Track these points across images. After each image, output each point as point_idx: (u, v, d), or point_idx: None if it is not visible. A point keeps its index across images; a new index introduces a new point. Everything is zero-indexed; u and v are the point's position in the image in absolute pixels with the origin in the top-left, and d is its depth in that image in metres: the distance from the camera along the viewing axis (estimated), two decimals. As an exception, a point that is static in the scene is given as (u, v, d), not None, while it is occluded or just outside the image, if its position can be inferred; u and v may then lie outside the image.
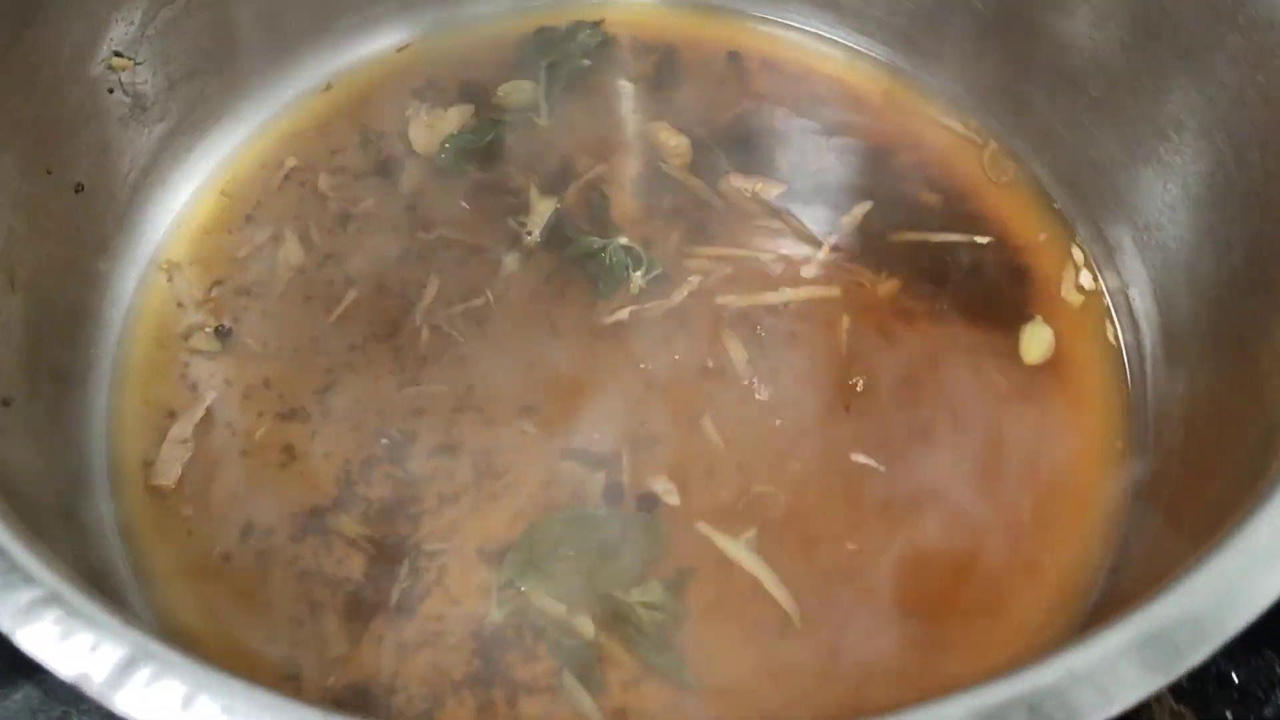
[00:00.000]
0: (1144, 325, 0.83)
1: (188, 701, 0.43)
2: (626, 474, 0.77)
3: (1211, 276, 0.76)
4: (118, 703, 0.43)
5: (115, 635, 0.45)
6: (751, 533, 0.75)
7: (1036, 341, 0.82)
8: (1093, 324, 0.85)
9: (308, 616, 0.73)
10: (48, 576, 0.48)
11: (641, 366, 0.81)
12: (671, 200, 0.89)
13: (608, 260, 0.85)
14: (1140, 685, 0.44)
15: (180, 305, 0.86)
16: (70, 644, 0.46)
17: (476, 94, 0.95)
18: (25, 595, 0.48)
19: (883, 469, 0.77)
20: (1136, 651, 0.45)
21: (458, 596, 0.73)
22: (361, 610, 0.73)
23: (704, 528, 0.75)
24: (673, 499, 0.76)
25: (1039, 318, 0.83)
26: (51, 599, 0.47)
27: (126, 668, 0.45)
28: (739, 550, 0.74)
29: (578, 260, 0.86)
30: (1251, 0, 0.71)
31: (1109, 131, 0.84)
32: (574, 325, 0.83)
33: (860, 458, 0.77)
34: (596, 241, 0.86)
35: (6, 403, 0.69)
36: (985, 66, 0.92)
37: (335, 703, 0.70)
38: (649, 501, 0.76)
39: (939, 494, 0.76)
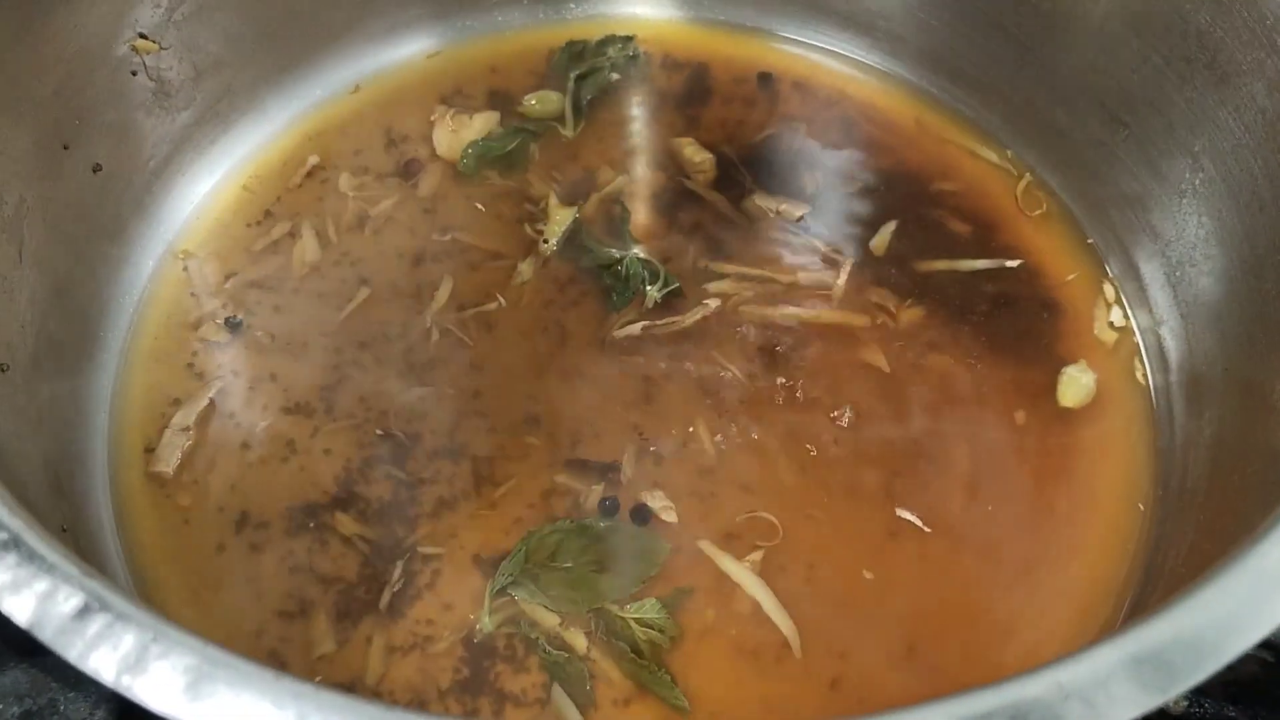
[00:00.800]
0: (1173, 364, 0.80)
1: (139, 653, 0.41)
2: (625, 488, 0.75)
3: (1243, 314, 0.74)
4: (69, 652, 0.42)
5: (71, 583, 0.44)
6: (757, 555, 0.73)
7: (1076, 387, 0.80)
8: (1123, 362, 0.82)
9: (297, 612, 0.72)
10: (11, 521, 0.47)
11: (649, 381, 0.80)
12: (693, 216, 0.88)
13: (624, 272, 0.83)
14: (1133, 703, 0.42)
15: (193, 294, 0.85)
16: (25, 590, 0.44)
17: (503, 102, 0.95)
18: None
19: (893, 498, 0.75)
20: (1132, 669, 0.43)
21: (450, 602, 0.72)
22: (352, 610, 0.72)
23: (707, 546, 0.73)
24: (670, 516, 0.74)
25: (1082, 362, 0.81)
26: (11, 543, 0.46)
27: (80, 616, 0.43)
28: (741, 573, 0.72)
29: (593, 271, 0.85)
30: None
31: (1142, 162, 0.82)
32: (585, 336, 0.82)
33: (872, 486, 0.75)
34: (614, 252, 0.84)
35: (3, 369, 0.68)
36: (1020, 94, 0.90)
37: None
38: (642, 514, 0.75)
39: (953, 527, 0.74)
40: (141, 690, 0.42)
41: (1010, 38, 0.88)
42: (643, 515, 0.75)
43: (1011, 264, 0.86)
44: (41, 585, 0.44)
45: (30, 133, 0.75)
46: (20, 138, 0.74)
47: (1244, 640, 0.44)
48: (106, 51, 0.80)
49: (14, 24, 0.72)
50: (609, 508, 0.75)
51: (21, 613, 0.43)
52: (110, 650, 0.42)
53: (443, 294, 0.84)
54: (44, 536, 0.46)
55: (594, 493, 0.75)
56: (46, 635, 0.42)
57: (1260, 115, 0.71)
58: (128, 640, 0.42)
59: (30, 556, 0.44)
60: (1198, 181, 0.77)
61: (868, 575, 0.72)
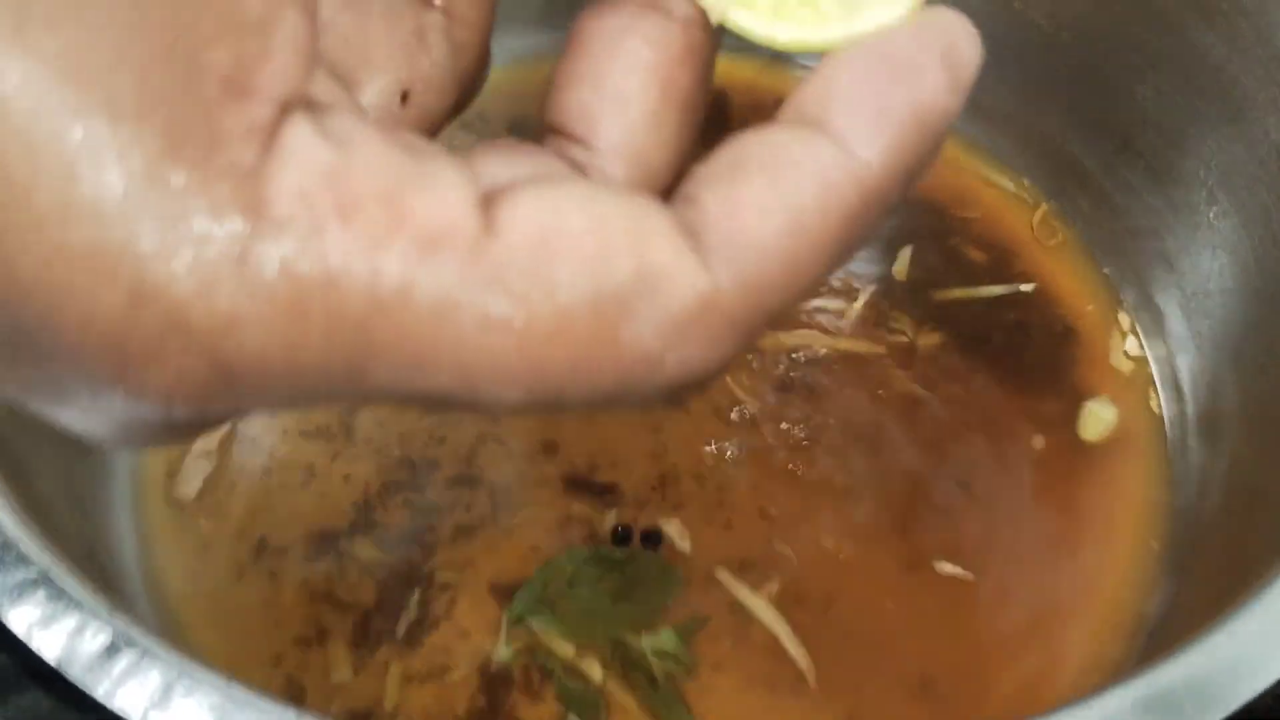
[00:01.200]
0: (1189, 395, 0.80)
1: (165, 690, 0.42)
2: (640, 515, 0.76)
3: (1259, 348, 0.74)
4: (96, 689, 0.42)
5: (99, 619, 0.45)
6: (774, 586, 0.73)
7: (1096, 421, 0.80)
8: (1138, 393, 0.82)
9: (315, 639, 0.73)
10: (40, 557, 0.48)
11: (663, 410, 0.80)
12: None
13: (644, 299, 0.84)
14: (1143, 749, 0.42)
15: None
16: (55, 626, 0.45)
17: (525, 131, 0.94)
18: (17, 575, 0.47)
19: (910, 531, 0.75)
20: (1141, 713, 0.43)
21: (467, 630, 0.72)
22: (369, 637, 0.72)
23: (723, 575, 0.74)
24: (685, 544, 0.75)
25: (1104, 396, 0.81)
26: (40, 580, 0.46)
27: (107, 653, 0.44)
28: (758, 604, 0.73)
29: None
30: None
31: (1157, 193, 0.82)
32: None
33: (888, 518, 0.76)
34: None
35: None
36: (1036, 122, 0.90)
37: (335, 728, 0.69)
38: (655, 540, 0.75)
39: (970, 561, 0.74)
40: (167, 727, 0.43)
41: (1026, 67, 0.88)
42: (655, 541, 0.75)
43: (1026, 288, 0.86)
44: (70, 622, 0.44)
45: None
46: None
47: (1255, 685, 0.44)
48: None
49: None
50: (623, 535, 0.75)
51: (50, 650, 0.44)
52: (137, 687, 0.43)
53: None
54: (72, 571, 0.47)
55: (609, 519, 0.76)
56: (74, 672, 0.43)
57: (1274, 150, 0.71)
58: (154, 677, 0.43)
59: (59, 594, 0.45)
60: (1212, 214, 0.77)
61: (884, 607, 0.73)
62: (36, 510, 0.55)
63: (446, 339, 0.26)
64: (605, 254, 0.27)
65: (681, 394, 0.29)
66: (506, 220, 0.26)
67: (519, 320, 0.26)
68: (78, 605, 0.45)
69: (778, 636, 0.71)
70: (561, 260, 0.26)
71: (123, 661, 0.43)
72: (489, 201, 0.27)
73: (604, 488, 0.77)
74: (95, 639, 0.44)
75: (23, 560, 0.46)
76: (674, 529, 0.75)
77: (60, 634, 0.44)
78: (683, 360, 0.28)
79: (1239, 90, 0.73)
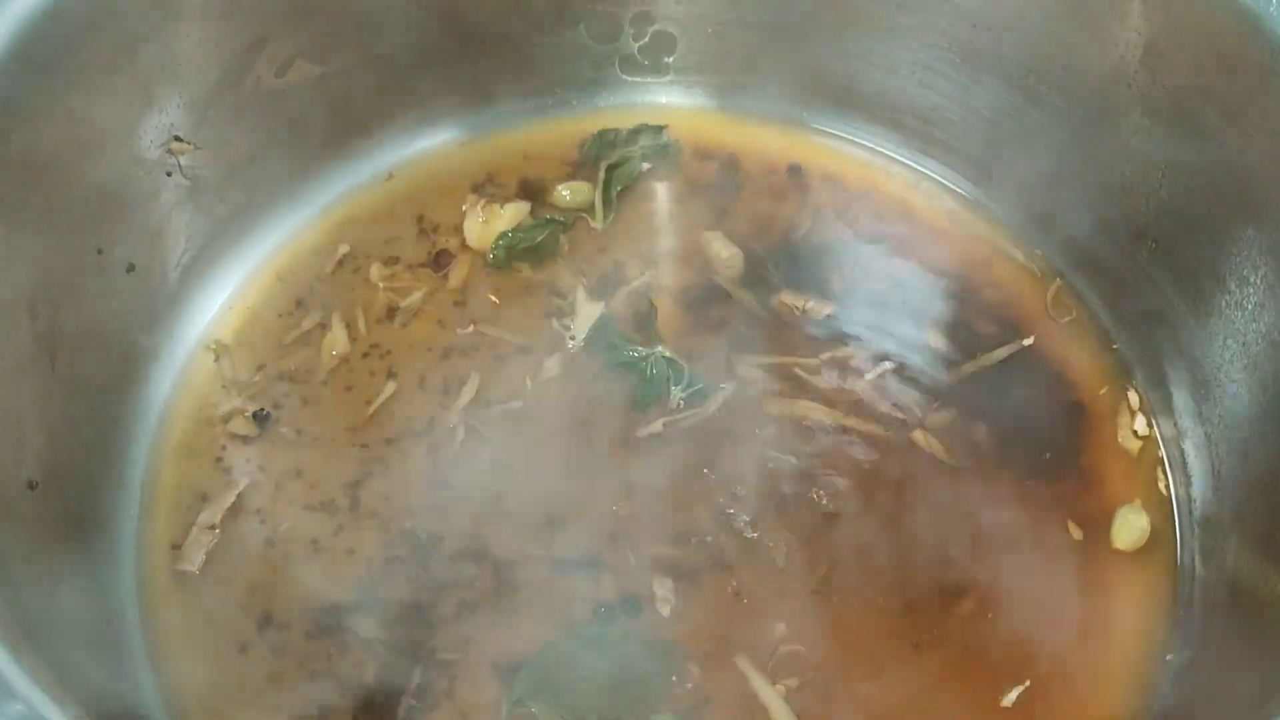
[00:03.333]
0: (1196, 479, 0.80)
1: None
2: (645, 595, 0.76)
3: (1266, 437, 0.73)
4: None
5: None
6: (793, 681, 0.73)
7: (1128, 529, 0.78)
8: (1146, 473, 0.82)
9: (317, 718, 0.73)
10: (33, 693, 0.48)
11: (673, 485, 0.80)
12: (719, 313, 0.88)
13: (648, 372, 0.84)
14: None
15: (224, 387, 0.86)
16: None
17: (535, 192, 0.95)
18: (9, 710, 0.47)
19: (916, 613, 0.75)
20: None
21: (467, 711, 0.72)
22: (370, 716, 0.72)
23: (743, 663, 0.73)
24: (685, 623, 0.75)
25: (1137, 502, 0.80)
26: (29, 717, 0.47)
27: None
28: (771, 697, 0.72)
29: (618, 368, 0.85)
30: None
31: (1170, 279, 0.81)
32: (608, 436, 0.82)
33: (893, 602, 0.76)
34: (639, 351, 0.85)
35: (31, 486, 0.70)
36: (1049, 199, 0.89)
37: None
38: (653, 617, 0.75)
39: (980, 652, 0.74)
40: None
41: (1039, 143, 0.88)
42: (634, 611, 0.75)
43: (1027, 341, 0.86)
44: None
45: (65, 241, 0.76)
46: (55, 247, 0.75)
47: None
48: (141, 155, 0.81)
49: (48, 136, 0.74)
50: (629, 609, 0.75)
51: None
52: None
53: (469, 390, 0.85)
54: (58, 699, 0.47)
55: (612, 597, 0.76)
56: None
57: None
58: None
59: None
60: (1223, 303, 0.76)
61: (886, 689, 0.72)
62: (24, 614, 0.56)
63: None
64: None
65: None
66: None
67: None
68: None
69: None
70: None
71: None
72: None
73: (620, 570, 0.77)
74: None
75: (9, 694, 0.46)
76: (674, 607, 0.75)
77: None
78: None
79: (1254, 184, 0.72)
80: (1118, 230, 0.85)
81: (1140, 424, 0.83)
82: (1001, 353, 0.86)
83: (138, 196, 0.82)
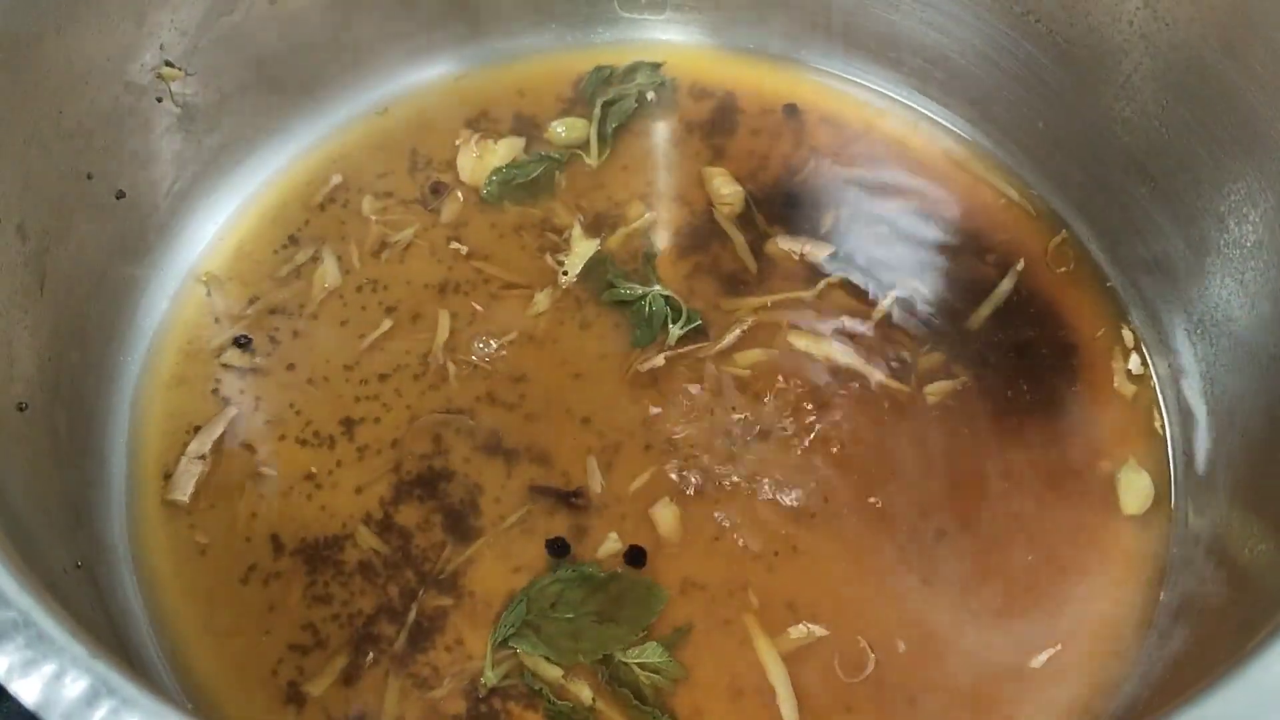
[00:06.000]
0: (1194, 421, 0.79)
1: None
2: (638, 531, 0.76)
3: (1264, 376, 0.73)
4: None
5: (79, 665, 0.44)
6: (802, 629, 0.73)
7: (1133, 492, 0.78)
8: (1142, 413, 0.81)
9: (312, 646, 0.73)
10: (20, 599, 0.47)
11: (670, 425, 0.80)
12: (716, 252, 0.88)
13: (646, 309, 0.83)
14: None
15: (216, 320, 0.85)
16: (34, 672, 0.45)
17: (529, 127, 0.94)
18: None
19: (910, 564, 0.75)
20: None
21: (461, 646, 0.72)
22: (365, 648, 0.72)
23: (750, 621, 0.73)
24: (674, 558, 0.75)
25: (1132, 461, 0.79)
26: (20, 624, 0.46)
27: (87, 700, 0.44)
28: (770, 657, 0.72)
29: (614, 305, 0.84)
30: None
31: (1169, 218, 0.81)
32: (605, 371, 0.82)
33: (889, 551, 0.76)
34: (636, 289, 0.84)
35: (21, 408, 0.69)
36: (1047, 138, 0.89)
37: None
38: (637, 557, 0.75)
39: (966, 611, 0.74)
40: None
41: (1039, 82, 0.87)
42: (639, 561, 0.75)
43: (1018, 267, 0.86)
44: (49, 667, 0.44)
45: (54, 165, 0.75)
46: (44, 170, 0.74)
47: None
48: (132, 80, 0.80)
49: (38, 60, 0.73)
50: (629, 557, 0.75)
51: (29, 695, 0.43)
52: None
53: (463, 326, 0.84)
54: (53, 613, 0.46)
55: (600, 533, 0.76)
56: (53, 718, 0.43)
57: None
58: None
59: (39, 637, 0.45)
60: (1222, 242, 0.76)
61: (872, 655, 0.72)
62: (17, 531, 0.55)
63: None
64: None
65: None
66: None
67: None
68: (58, 651, 0.45)
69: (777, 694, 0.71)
70: None
71: (102, 709, 0.43)
72: None
73: (613, 507, 0.77)
74: (74, 685, 0.44)
75: (3, 602, 0.46)
76: (668, 545, 0.75)
77: (39, 680, 0.44)
78: None
79: (1255, 119, 0.71)
80: (1117, 170, 0.84)
81: (1135, 363, 0.83)
82: (999, 290, 0.85)
83: (128, 122, 0.81)
